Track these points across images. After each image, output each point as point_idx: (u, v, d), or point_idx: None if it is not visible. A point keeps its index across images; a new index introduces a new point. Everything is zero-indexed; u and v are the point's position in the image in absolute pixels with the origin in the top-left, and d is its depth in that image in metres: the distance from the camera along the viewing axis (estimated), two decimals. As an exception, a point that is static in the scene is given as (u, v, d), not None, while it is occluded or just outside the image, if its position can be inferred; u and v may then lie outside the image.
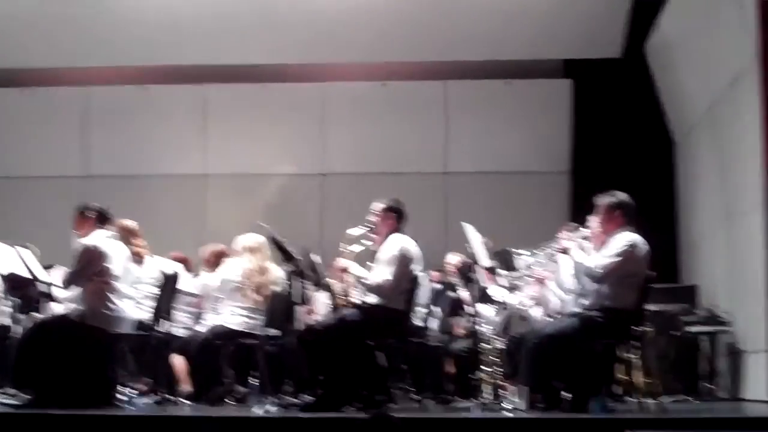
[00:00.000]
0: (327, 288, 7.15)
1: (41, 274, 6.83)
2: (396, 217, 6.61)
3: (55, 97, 11.99)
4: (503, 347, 7.42)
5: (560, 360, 6.17)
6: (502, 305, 8.01)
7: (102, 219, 6.51)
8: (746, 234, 8.48)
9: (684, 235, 11.08)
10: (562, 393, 6.24)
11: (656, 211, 10.56)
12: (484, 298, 7.36)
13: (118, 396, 6.59)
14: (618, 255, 6.21)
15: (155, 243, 7.77)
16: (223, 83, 11.98)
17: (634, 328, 6.40)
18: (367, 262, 6.69)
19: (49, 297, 6.92)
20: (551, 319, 7.14)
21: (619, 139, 11.26)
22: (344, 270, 6.59)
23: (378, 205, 6.64)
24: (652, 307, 8.82)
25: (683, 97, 10.69)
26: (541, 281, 7.36)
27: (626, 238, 6.27)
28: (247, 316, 7.53)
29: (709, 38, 9.41)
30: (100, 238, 6.41)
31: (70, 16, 10.81)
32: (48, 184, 11.77)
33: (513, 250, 7.16)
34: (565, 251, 6.59)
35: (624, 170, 10.58)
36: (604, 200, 6.46)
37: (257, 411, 6.13)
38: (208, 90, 11.99)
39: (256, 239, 7.72)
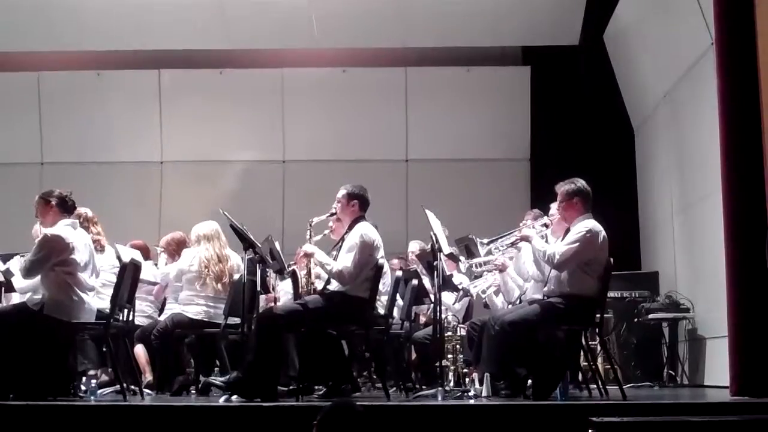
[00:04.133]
0: (290, 275, 7.09)
1: (-2, 263, 6.73)
2: (359, 204, 6.57)
3: (7, 82, 11.77)
4: (466, 334, 7.45)
5: (522, 347, 6.18)
6: (464, 292, 8.05)
7: (64, 206, 6.39)
8: (705, 220, 8.56)
9: (644, 221, 11.16)
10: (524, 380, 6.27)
11: (617, 197, 10.67)
12: (447, 285, 7.36)
13: (78, 386, 6.52)
14: (576, 242, 6.25)
15: (110, 231, 7.67)
16: (180, 69, 11.85)
17: (596, 314, 6.42)
18: (331, 250, 6.65)
19: (8, 286, 6.79)
20: (512, 306, 7.15)
21: (579, 126, 11.31)
22: (308, 256, 6.53)
23: (341, 192, 6.59)
24: (613, 293, 8.94)
25: (641, 84, 10.75)
26: (501, 268, 7.36)
27: (585, 225, 6.30)
28: (206, 305, 7.47)
29: (667, 25, 9.47)
30: (64, 228, 6.29)
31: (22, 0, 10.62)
32: (0, 171, 11.57)
33: (475, 237, 7.17)
34: (525, 239, 6.60)
35: (584, 157, 10.65)
36: (563, 187, 6.48)
37: (219, 400, 6.07)
38: (164, 76, 11.84)
39: (211, 227, 7.66)
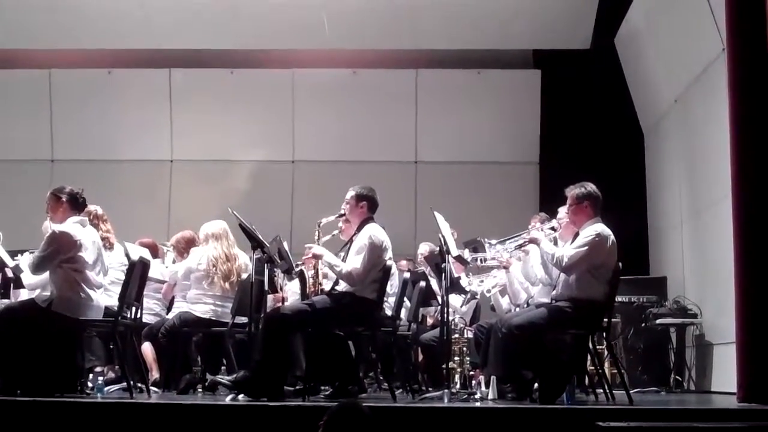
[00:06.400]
0: (298, 275, 7.10)
1: (7, 259, 6.73)
2: (368, 206, 6.57)
3: (18, 79, 11.81)
4: (473, 337, 7.44)
5: (529, 350, 6.17)
6: (471, 295, 8.05)
7: (75, 204, 6.40)
8: (714, 225, 8.54)
9: (653, 226, 11.14)
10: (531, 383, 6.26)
11: (626, 202, 10.64)
12: (455, 287, 7.35)
13: (85, 383, 6.53)
14: (585, 245, 6.22)
15: (120, 229, 7.69)
16: (190, 68, 11.87)
17: (604, 319, 6.40)
18: (339, 251, 6.65)
19: (17, 282, 6.81)
20: (519, 310, 7.14)
21: (589, 130, 11.30)
22: (316, 257, 6.54)
23: (350, 193, 6.59)
24: (621, 298, 8.93)
25: (652, 88, 10.74)
26: (506, 265, 7.32)
27: (594, 229, 6.28)
28: (214, 304, 7.48)
29: (678, 30, 9.46)
30: (73, 225, 6.31)
31: (33, -2, 10.66)
32: (11, 168, 11.62)
33: (483, 239, 7.17)
34: (533, 241, 6.59)
35: (594, 161, 10.65)
36: (573, 191, 6.46)
37: (226, 399, 6.08)
38: (175, 75, 11.87)
39: (219, 226, 7.68)
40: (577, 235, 6.45)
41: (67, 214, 6.38)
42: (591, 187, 6.44)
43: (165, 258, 8.40)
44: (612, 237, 6.30)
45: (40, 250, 6.24)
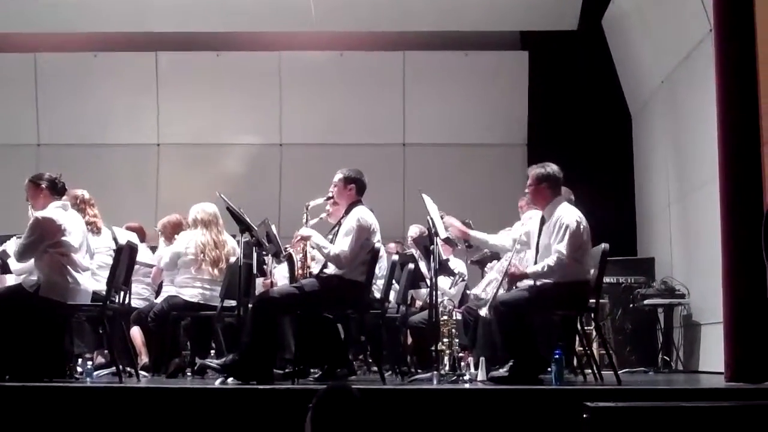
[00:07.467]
0: (287, 258, 7.09)
1: (-6, 245, 6.73)
2: (356, 188, 6.56)
3: (3, 62, 11.74)
4: (461, 319, 7.45)
5: (511, 327, 6.12)
6: (460, 277, 8.05)
7: (55, 189, 6.38)
8: (702, 206, 8.55)
9: (641, 207, 11.16)
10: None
11: (614, 183, 10.69)
12: (443, 270, 7.35)
13: (74, 368, 6.52)
14: (567, 238, 6.16)
15: (107, 213, 7.67)
16: (177, 51, 11.82)
17: (590, 299, 6.41)
18: (327, 234, 6.65)
19: (4, 268, 6.79)
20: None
21: (576, 112, 11.30)
22: (305, 240, 6.53)
23: (338, 176, 6.58)
24: (609, 279, 8.95)
25: (639, 70, 10.74)
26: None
27: (567, 214, 6.25)
28: (203, 288, 7.47)
29: (665, 11, 9.45)
30: (55, 210, 6.28)
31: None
32: (-2, 152, 11.57)
33: (470, 222, 7.16)
34: (521, 277, 6.36)
35: (581, 143, 10.65)
36: (533, 170, 6.45)
37: (215, 382, 6.08)
38: (161, 58, 11.81)
39: (209, 210, 7.63)
40: (543, 220, 6.40)
41: (48, 200, 6.36)
42: (552, 168, 6.41)
43: (159, 241, 8.35)
44: (582, 217, 6.27)
45: (24, 237, 6.22)
